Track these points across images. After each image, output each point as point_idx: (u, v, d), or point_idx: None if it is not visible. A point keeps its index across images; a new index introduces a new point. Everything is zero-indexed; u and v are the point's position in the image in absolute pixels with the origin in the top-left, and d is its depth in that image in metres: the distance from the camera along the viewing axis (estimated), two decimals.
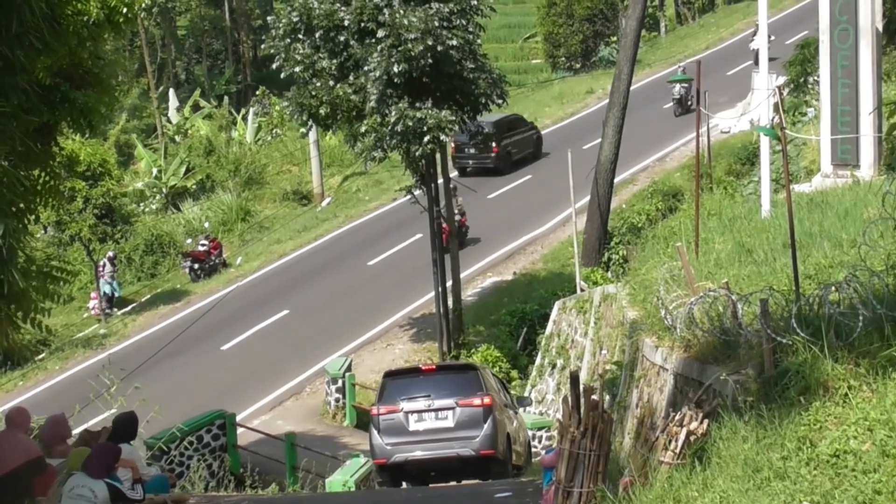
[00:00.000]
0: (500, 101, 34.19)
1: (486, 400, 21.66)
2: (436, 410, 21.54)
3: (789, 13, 71.17)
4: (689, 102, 52.56)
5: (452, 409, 21.55)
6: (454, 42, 32.16)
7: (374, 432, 21.68)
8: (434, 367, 22.81)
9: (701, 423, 14.43)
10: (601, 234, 38.94)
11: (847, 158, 26.34)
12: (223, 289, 43.99)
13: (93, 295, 44.47)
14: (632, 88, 39.44)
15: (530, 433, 26.81)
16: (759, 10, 26.01)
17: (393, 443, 21.50)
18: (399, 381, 22.02)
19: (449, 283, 35.95)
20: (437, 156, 34.73)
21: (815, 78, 34.43)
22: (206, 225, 52.85)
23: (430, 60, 31.83)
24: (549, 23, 73.08)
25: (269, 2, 79.68)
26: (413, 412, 21.55)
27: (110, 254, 44.89)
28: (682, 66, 53.40)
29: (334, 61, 33.07)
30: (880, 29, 27.03)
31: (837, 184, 25.11)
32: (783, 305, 14.84)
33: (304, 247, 48.38)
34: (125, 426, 13.95)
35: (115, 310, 44.87)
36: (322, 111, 33.09)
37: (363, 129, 32.74)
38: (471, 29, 33.22)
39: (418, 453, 21.40)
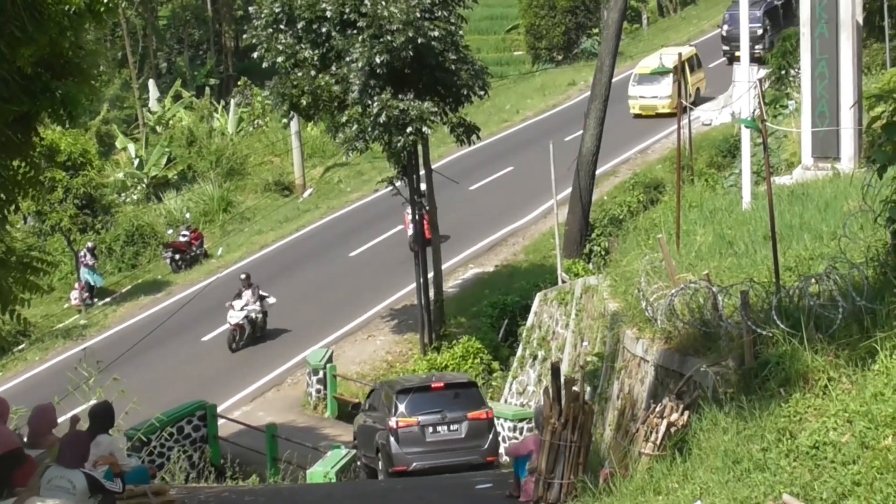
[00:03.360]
0: (481, 93, 34.04)
1: (490, 413, 24.68)
2: (448, 423, 24.20)
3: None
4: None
5: (463, 421, 24.23)
6: (436, 33, 32.07)
7: (393, 442, 23.95)
8: (442, 384, 25.04)
9: (681, 414, 14.49)
10: (583, 225, 38.95)
11: (828, 151, 26.49)
12: (204, 280, 43.66)
13: (75, 286, 44.17)
14: (613, 80, 39.45)
15: (511, 424, 27.51)
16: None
17: (412, 452, 23.94)
18: (412, 396, 24.44)
19: (430, 275, 35.84)
20: (419, 147, 34.65)
21: (797, 70, 34.58)
22: (188, 216, 52.54)
23: (411, 52, 31.77)
24: (531, 14, 72.91)
25: None
26: (429, 425, 24.13)
27: (90, 244, 44.70)
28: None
29: (316, 52, 32.99)
30: (861, 22, 27.08)
31: (818, 176, 25.13)
32: (763, 297, 14.86)
33: (285, 238, 48.23)
34: (102, 416, 13.87)
35: (96, 300, 44.68)
36: (304, 101, 33.05)
37: (345, 119, 32.67)
38: (452, 20, 33.13)
39: (435, 461, 23.81)
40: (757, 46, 52.25)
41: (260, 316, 36.99)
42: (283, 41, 33.14)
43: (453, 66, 33.11)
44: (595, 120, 38.06)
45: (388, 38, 31.63)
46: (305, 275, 42.51)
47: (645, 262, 18.97)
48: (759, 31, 53.67)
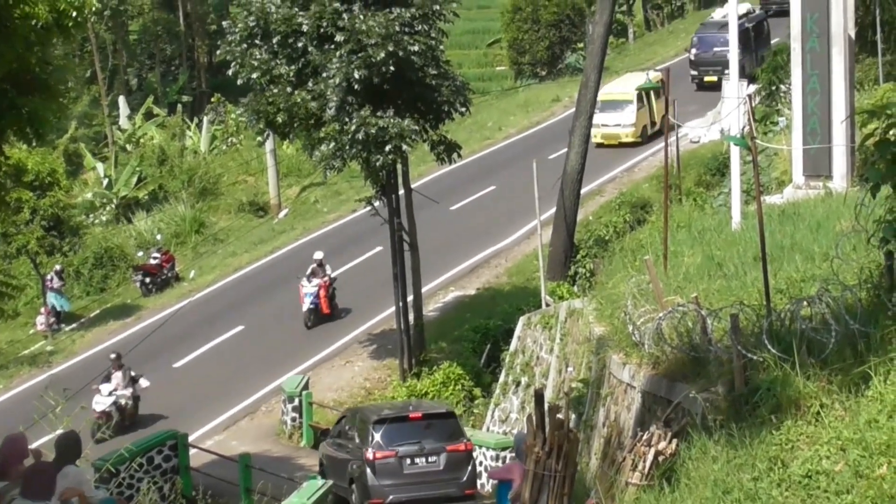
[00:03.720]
0: (463, 110, 34.05)
1: (469, 445, 24.66)
2: (426, 455, 24.12)
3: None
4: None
5: (441, 453, 24.14)
6: (416, 48, 31.85)
7: (369, 474, 23.87)
8: (420, 414, 24.87)
9: (669, 442, 14.47)
10: (567, 246, 38.72)
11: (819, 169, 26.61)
12: (176, 303, 43.38)
13: (42, 310, 43.95)
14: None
15: (494, 453, 27.20)
16: (730, 10, 26.79)
17: (389, 484, 23.83)
18: (388, 426, 24.29)
19: (410, 298, 35.70)
20: (399, 165, 34.57)
21: (787, 86, 34.61)
22: (159, 237, 52.28)
23: (391, 67, 31.60)
24: (513, 28, 72.95)
25: (224, 6, 79.44)
26: (406, 456, 24.03)
27: (57, 267, 44.49)
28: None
29: (292, 67, 32.63)
30: (853, 36, 27.25)
31: (810, 195, 25.28)
32: (754, 321, 14.99)
33: (260, 260, 48.07)
34: (68, 447, 13.74)
35: (63, 326, 44.46)
36: (279, 118, 32.64)
37: (322, 137, 32.49)
38: (433, 34, 32.89)
39: (413, 494, 23.85)
40: (727, 71, 52.77)
41: (130, 402, 33.81)
42: (258, 56, 32.82)
43: (434, 82, 32.93)
44: (580, 137, 37.94)
45: (367, 52, 31.40)
46: (281, 298, 42.19)
47: (632, 284, 19.01)
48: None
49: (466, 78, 38.06)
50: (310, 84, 32.79)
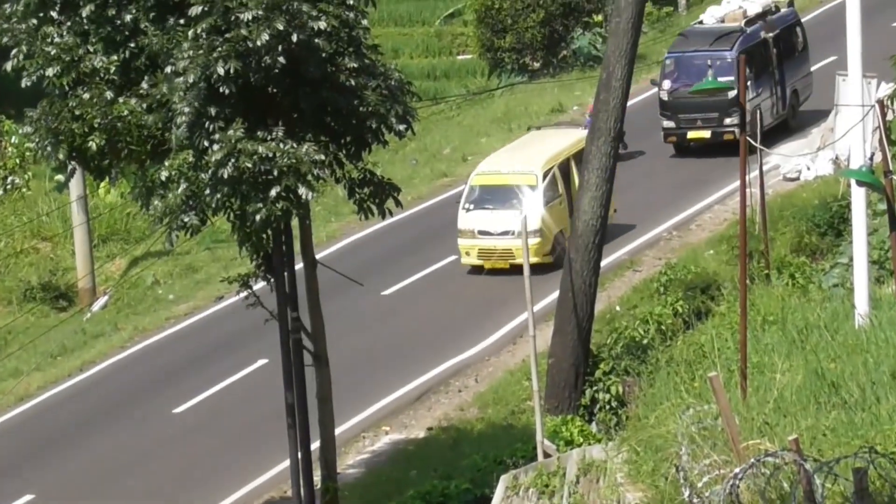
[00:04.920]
0: (402, 128, 29.12)
1: None
2: None
3: None
4: None
5: None
6: (322, 24, 27.51)
7: None
8: None
9: None
10: (579, 356, 33.43)
11: None
12: None
13: None
14: (630, 103, 35.05)
15: None
16: None
17: None
18: None
19: (315, 446, 30.39)
20: (295, 221, 29.78)
21: None
22: None
23: (280, 58, 27.21)
24: None
25: None
26: None
27: None
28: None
29: (114, 57, 28.71)
30: None
31: None
32: (892, 478, 15.41)
33: (60, 384, 41.00)
34: None
35: None
36: (93, 143, 28.72)
37: (165, 175, 28.30)
38: (351, 1, 28.54)
39: None
40: (728, 120, 45.20)
41: None
42: (57, 40, 28.86)
43: (352, 82, 28.41)
44: (599, 171, 32.38)
45: (240, 33, 26.99)
46: (98, 448, 36.34)
47: (687, 419, 19.15)
48: (732, 91, 44.03)
49: (408, 75, 33.50)
50: (144, 85, 28.73)
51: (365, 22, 28.78)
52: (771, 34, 48.45)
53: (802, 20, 51.25)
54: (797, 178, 44.22)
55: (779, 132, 46.46)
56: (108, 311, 47.73)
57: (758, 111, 43.40)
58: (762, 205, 35.59)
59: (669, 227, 43.94)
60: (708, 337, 26.24)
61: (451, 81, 66.68)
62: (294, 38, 26.67)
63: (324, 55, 27.46)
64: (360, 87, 27.98)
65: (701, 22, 52.09)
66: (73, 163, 29.72)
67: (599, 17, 62.45)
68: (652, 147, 49.38)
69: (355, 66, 27.95)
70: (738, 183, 22.50)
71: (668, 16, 68.54)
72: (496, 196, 42.82)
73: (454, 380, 37.91)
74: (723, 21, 46.69)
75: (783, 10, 50.98)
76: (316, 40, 27.12)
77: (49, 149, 29.15)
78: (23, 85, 29.49)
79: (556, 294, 33.67)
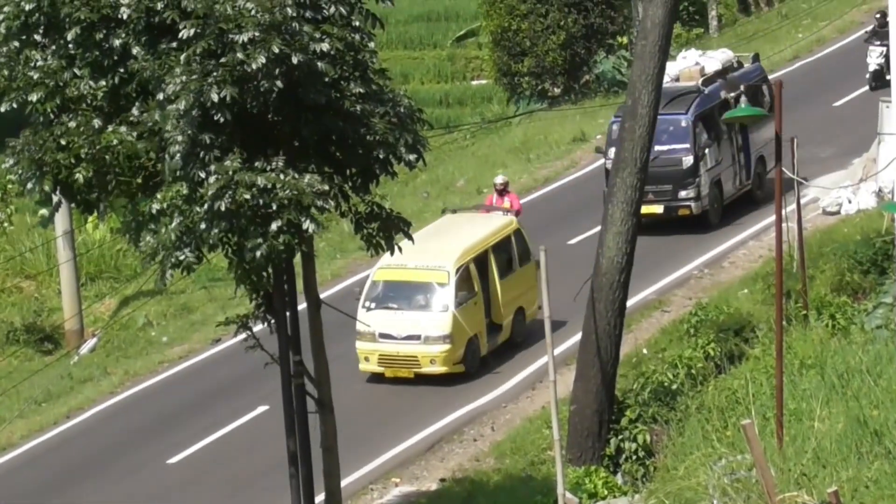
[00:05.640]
0: (412, 157, 28.31)
1: None
2: None
3: None
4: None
5: None
6: (325, 46, 26.88)
7: None
8: None
9: None
10: (603, 402, 33.00)
11: None
12: None
13: None
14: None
15: None
16: None
17: None
18: None
19: (319, 498, 29.59)
20: (298, 258, 29.47)
21: None
22: None
23: (277, 82, 26.67)
24: (501, 13, 63.23)
25: None
26: None
27: None
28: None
29: (102, 83, 27.99)
30: None
31: None
32: None
33: (46, 431, 39.58)
34: None
35: None
36: (80, 175, 28.07)
37: (157, 209, 28.01)
38: (356, 23, 28.11)
39: None
40: (683, 192, 41.52)
41: None
42: (42, 63, 28.31)
43: (358, 108, 27.69)
44: (624, 204, 31.83)
45: (236, 56, 26.46)
46: None
47: (719, 470, 19.83)
48: (688, 161, 41.75)
49: (418, 101, 32.85)
50: (134, 112, 27.85)
51: (372, 44, 28.02)
52: (733, 94, 44.59)
53: (770, 77, 47.43)
54: (837, 212, 43.31)
55: (743, 204, 43.62)
56: (97, 354, 46.84)
57: (718, 182, 41.72)
58: (800, 241, 35.44)
59: (700, 265, 42.84)
60: (741, 382, 26.21)
61: (465, 108, 66.55)
62: (294, 60, 25.92)
63: (327, 80, 26.76)
64: (366, 115, 27.34)
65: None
66: (58, 195, 28.76)
67: (624, 40, 61.83)
68: None
69: (361, 91, 27.34)
70: (773, 217, 22.63)
71: (697, 38, 67.26)
72: (401, 294, 39.17)
73: (469, 428, 37.11)
74: (678, 80, 40.96)
75: (747, 66, 47.35)
76: (318, 63, 26.36)
77: (33, 181, 28.29)
78: (1, 109, 28.79)
79: (578, 336, 33.35)
